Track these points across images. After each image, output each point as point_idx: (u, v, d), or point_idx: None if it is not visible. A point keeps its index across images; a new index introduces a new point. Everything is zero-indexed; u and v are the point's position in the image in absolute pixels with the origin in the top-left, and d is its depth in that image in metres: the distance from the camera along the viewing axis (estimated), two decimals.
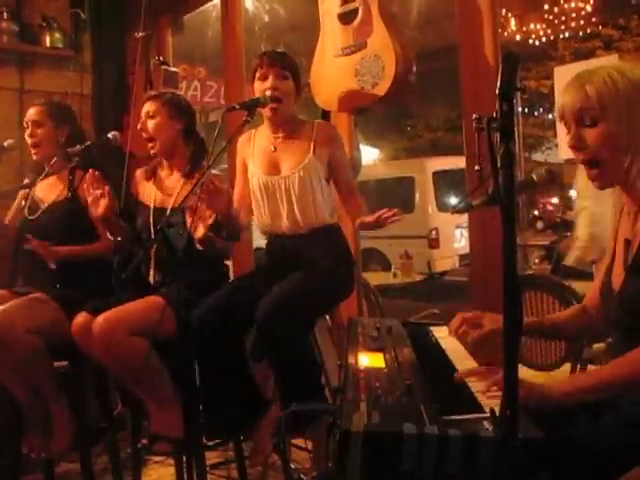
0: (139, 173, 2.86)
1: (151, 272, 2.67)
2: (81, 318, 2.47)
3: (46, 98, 3.12)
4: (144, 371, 2.45)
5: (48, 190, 2.92)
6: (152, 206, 2.70)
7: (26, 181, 3.01)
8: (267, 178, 2.54)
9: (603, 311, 1.64)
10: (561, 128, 1.52)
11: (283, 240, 2.56)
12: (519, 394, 1.26)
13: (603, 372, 1.47)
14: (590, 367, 2.30)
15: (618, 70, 1.43)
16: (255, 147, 2.64)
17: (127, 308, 2.47)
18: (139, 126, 2.71)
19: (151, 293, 2.57)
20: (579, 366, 2.35)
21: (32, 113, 2.90)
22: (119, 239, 2.68)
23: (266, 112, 2.51)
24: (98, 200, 2.51)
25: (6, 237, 2.93)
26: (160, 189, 2.74)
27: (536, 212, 17.51)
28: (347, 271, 2.56)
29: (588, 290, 1.76)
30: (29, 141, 2.88)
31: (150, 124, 2.66)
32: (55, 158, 2.83)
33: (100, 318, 2.39)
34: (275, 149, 2.56)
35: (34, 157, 2.89)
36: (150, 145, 2.69)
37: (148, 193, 2.75)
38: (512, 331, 1.04)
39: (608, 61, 5.55)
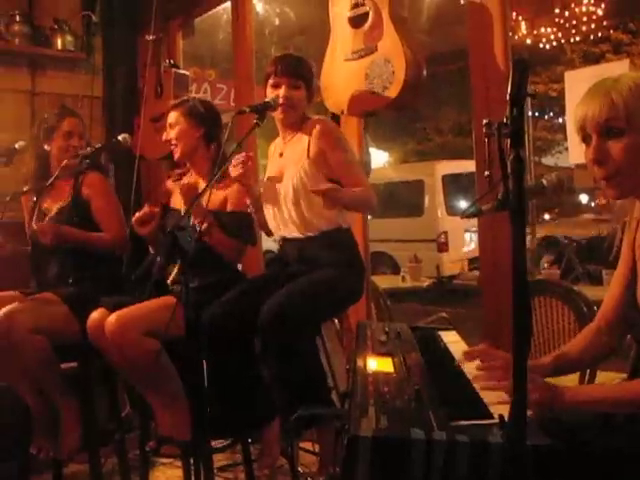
0: (169, 182, 2.97)
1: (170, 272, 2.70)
2: (98, 314, 2.49)
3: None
4: (154, 371, 2.46)
5: (53, 197, 2.97)
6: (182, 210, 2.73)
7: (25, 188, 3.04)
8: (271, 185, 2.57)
9: (623, 328, 1.59)
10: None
11: (293, 243, 2.55)
12: (535, 395, 1.26)
13: (628, 388, 1.42)
14: (600, 375, 2.29)
15: None
16: (272, 155, 2.70)
17: (140, 308, 2.48)
18: (164, 137, 2.82)
19: (166, 293, 2.59)
20: (588, 370, 2.33)
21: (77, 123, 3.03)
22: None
23: (277, 115, 2.53)
24: (148, 221, 2.63)
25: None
26: None
27: (546, 216, 17.43)
28: (356, 277, 2.54)
29: (602, 306, 1.66)
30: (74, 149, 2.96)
31: (172, 133, 2.77)
32: (65, 161, 2.87)
33: (113, 317, 2.41)
34: (281, 155, 2.61)
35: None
36: (174, 151, 2.78)
37: (178, 198, 2.80)
38: (521, 337, 1.04)
39: (619, 65, 5.52)
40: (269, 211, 2.59)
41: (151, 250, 2.78)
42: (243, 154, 2.44)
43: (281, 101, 2.46)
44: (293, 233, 2.54)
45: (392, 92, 2.55)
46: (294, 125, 2.57)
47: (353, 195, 2.40)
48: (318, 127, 2.49)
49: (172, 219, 2.76)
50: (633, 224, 1.55)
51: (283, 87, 2.48)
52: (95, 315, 2.49)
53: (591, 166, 1.42)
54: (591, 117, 1.39)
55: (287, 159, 2.57)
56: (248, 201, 2.62)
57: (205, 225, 2.45)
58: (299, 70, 2.51)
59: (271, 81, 2.51)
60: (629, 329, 1.57)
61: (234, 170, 2.43)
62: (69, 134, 2.96)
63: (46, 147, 2.97)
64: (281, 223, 2.56)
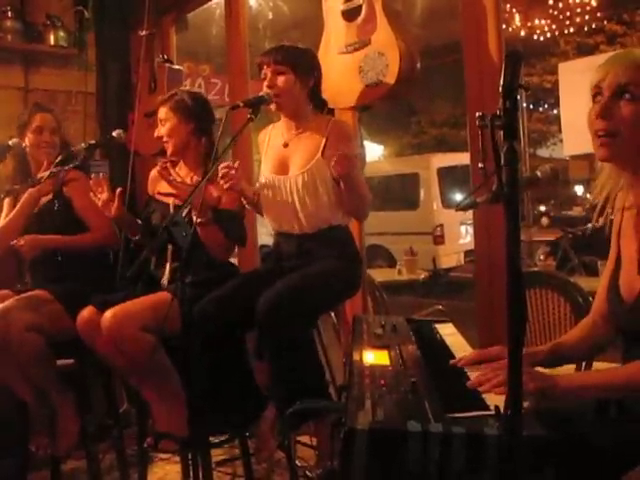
0: (154, 172, 2.91)
1: (162, 269, 2.69)
2: (87, 312, 2.49)
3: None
4: (151, 367, 2.46)
5: None
6: (172, 204, 2.71)
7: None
8: (273, 177, 2.55)
9: (612, 321, 1.57)
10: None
11: (289, 238, 2.55)
12: (530, 384, 1.26)
13: (619, 372, 1.42)
14: (595, 365, 2.29)
15: None
16: (269, 144, 2.66)
17: (136, 304, 2.48)
18: (156, 133, 2.81)
19: (158, 290, 2.58)
20: (584, 362, 2.34)
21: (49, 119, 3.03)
22: (137, 237, 2.78)
23: (272, 108, 2.51)
24: (108, 204, 2.61)
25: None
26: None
27: (542, 208, 17.47)
28: (352, 271, 2.54)
29: (595, 299, 1.66)
30: (46, 144, 2.98)
31: (162, 130, 2.77)
32: (59, 157, 2.86)
33: (109, 313, 2.41)
34: (287, 145, 2.56)
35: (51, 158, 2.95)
36: (166, 147, 2.78)
37: (166, 191, 2.76)
38: (516, 329, 1.04)
39: None
40: (269, 206, 2.58)
41: (129, 235, 2.78)
42: (225, 164, 2.42)
43: (267, 90, 2.44)
44: (290, 229, 2.53)
45: (386, 85, 2.56)
46: (299, 116, 2.54)
47: (361, 185, 2.40)
48: (339, 132, 2.48)
49: (160, 212, 2.75)
50: (618, 215, 1.56)
51: (268, 75, 2.46)
52: (84, 313, 2.49)
53: (593, 120, 1.43)
54: (612, 76, 1.41)
55: (294, 152, 2.53)
56: (243, 200, 2.62)
57: (204, 219, 2.45)
58: (280, 56, 2.47)
59: (261, 74, 2.50)
60: (614, 320, 1.56)
61: (223, 183, 2.41)
62: (39, 129, 2.97)
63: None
64: (279, 217, 2.55)
